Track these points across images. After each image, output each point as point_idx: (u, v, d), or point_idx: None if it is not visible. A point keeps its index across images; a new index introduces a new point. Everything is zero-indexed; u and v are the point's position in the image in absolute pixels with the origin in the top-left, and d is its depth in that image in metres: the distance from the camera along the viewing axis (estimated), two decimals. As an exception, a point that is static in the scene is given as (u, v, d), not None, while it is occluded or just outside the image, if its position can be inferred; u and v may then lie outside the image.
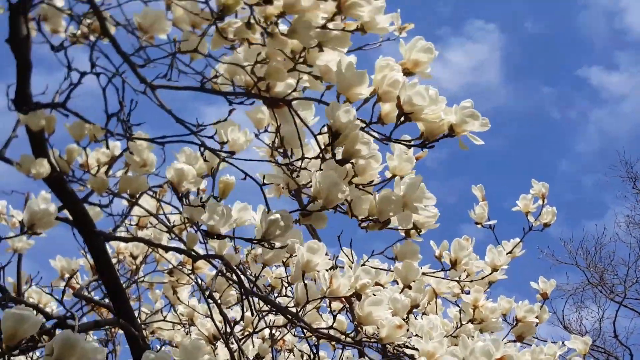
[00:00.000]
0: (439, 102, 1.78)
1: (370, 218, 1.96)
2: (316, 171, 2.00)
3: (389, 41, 2.41)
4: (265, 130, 2.35)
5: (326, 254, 2.05)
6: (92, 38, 2.27)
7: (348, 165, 1.93)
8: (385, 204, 1.84)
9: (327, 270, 2.06)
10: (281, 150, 2.31)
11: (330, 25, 1.89)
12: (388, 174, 2.00)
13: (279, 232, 1.94)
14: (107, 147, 2.35)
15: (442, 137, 1.82)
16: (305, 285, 2.08)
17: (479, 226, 3.74)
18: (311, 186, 2.11)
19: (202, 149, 2.13)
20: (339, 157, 1.85)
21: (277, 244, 2.03)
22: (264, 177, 2.18)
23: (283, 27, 1.94)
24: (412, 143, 1.86)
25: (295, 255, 2.08)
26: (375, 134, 1.89)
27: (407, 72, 1.89)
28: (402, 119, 1.80)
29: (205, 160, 2.24)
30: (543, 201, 3.71)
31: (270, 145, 2.30)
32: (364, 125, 1.85)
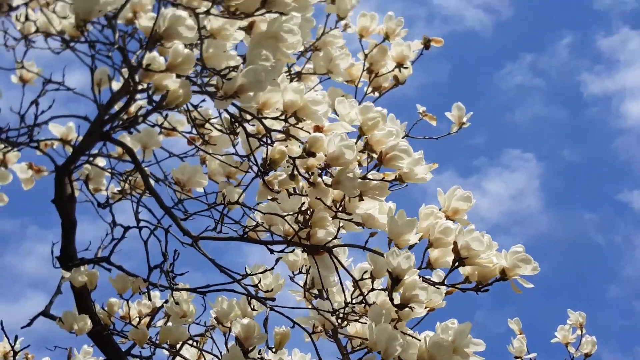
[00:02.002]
0: (492, 247, 1.84)
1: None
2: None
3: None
4: (300, 272, 2.40)
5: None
6: (134, 193, 2.35)
7: (390, 305, 1.97)
8: (437, 350, 1.87)
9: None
10: (315, 292, 2.37)
11: (370, 175, 1.97)
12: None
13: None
14: (150, 299, 2.39)
15: (494, 281, 1.87)
16: None
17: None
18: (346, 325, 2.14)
19: (248, 297, 2.17)
20: (396, 301, 1.89)
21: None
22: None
23: (326, 178, 2.02)
24: (465, 287, 1.91)
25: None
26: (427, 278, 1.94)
27: (447, 219, 1.96)
28: (456, 263, 1.86)
29: (253, 309, 2.28)
30: (581, 331, 3.65)
31: (305, 286, 2.35)
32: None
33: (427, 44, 2.47)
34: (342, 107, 1.95)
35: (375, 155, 1.93)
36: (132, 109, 2.35)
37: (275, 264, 2.15)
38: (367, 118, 1.93)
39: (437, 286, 1.93)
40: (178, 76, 1.79)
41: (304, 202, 2.06)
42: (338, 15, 2.43)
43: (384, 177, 1.97)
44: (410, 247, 1.93)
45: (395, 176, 1.97)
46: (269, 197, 2.11)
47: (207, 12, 1.81)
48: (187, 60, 1.72)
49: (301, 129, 2.00)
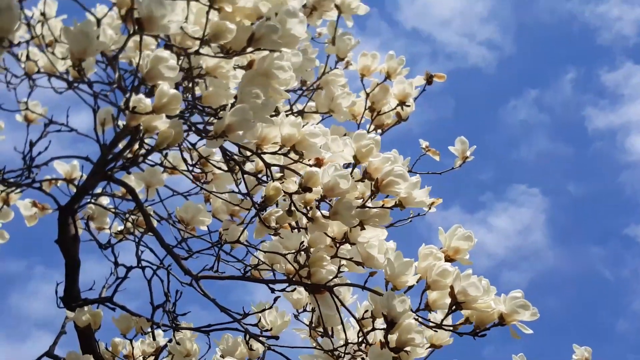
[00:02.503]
0: (490, 292, 1.81)
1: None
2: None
3: (419, 216, 2.51)
4: (304, 310, 2.38)
5: None
6: (137, 232, 2.36)
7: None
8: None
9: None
10: (321, 330, 2.34)
11: (369, 203, 1.95)
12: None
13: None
14: (153, 339, 2.38)
15: (492, 325, 1.84)
16: None
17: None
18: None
19: (247, 336, 2.15)
20: (392, 344, 1.86)
21: None
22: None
23: (324, 211, 2.01)
24: (463, 332, 1.88)
25: None
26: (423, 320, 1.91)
27: (448, 259, 1.94)
28: (453, 307, 1.83)
29: (250, 349, 2.26)
30: (588, 365, 3.62)
31: (310, 325, 2.33)
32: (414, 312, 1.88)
33: (429, 80, 2.47)
34: (336, 145, 1.94)
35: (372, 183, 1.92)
36: (136, 146, 2.36)
37: (274, 302, 2.14)
38: (361, 145, 1.92)
39: (434, 329, 1.89)
40: (171, 116, 1.80)
41: (303, 241, 2.05)
42: (337, 56, 2.44)
43: (383, 204, 1.96)
44: (410, 287, 1.91)
45: (395, 202, 1.96)
46: (270, 234, 2.11)
47: (197, 52, 1.83)
48: (173, 100, 1.72)
49: (302, 162, 2.00)
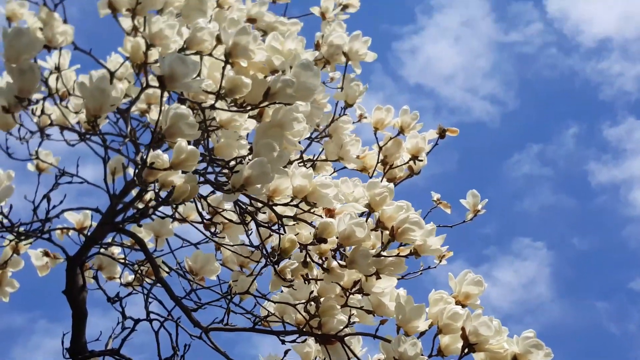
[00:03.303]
0: (502, 332, 1.80)
1: None
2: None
3: (431, 269, 2.48)
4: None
5: None
6: (146, 283, 2.34)
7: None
8: None
9: None
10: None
11: (385, 252, 1.94)
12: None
13: None
14: (161, 393, 2.34)
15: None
16: None
17: None
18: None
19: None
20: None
21: None
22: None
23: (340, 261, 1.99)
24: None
25: None
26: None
27: (458, 304, 1.92)
28: (466, 350, 1.81)
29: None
30: None
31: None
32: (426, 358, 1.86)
33: (442, 134, 2.47)
34: (346, 187, 1.95)
35: (387, 232, 1.91)
36: (147, 197, 2.36)
37: (284, 355, 2.11)
38: (375, 194, 1.94)
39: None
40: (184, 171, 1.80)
41: (312, 291, 2.04)
42: (346, 102, 2.44)
43: (398, 253, 1.95)
44: (421, 334, 1.89)
45: (410, 250, 1.95)
46: (285, 286, 2.09)
47: (213, 107, 1.84)
48: (191, 156, 1.73)
49: (313, 213, 1.99)
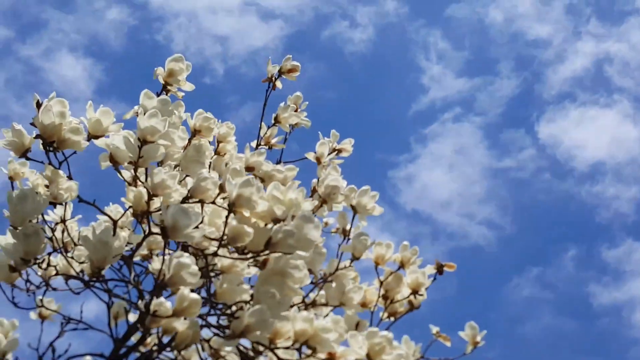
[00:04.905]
0: None
1: None
2: None
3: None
4: None
5: None
6: None
7: None
8: None
9: None
10: None
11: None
12: None
13: None
14: None
15: None
16: None
17: None
18: None
19: None
20: None
21: None
22: None
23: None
24: None
25: None
26: None
27: None
28: None
29: None
30: None
31: None
32: None
33: (440, 269, 2.49)
34: (355, 342, 1.95)
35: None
36: (149, 340, 2.36)
37: None
38: (374, 343, 1.94)
39: None
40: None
41: None
42: (353, 255, 2.46)
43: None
44: None
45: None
46: None
47: (215, 254, 1.88)
48: (194, 304, 1.76)
49: (314, 356, 1.99)
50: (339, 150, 2.76)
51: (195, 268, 1.74)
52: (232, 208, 1.87)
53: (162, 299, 1.80)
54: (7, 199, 1.87)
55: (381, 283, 2.51)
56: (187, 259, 1.74)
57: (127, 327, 2.27)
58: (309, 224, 1.84)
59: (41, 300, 2.25)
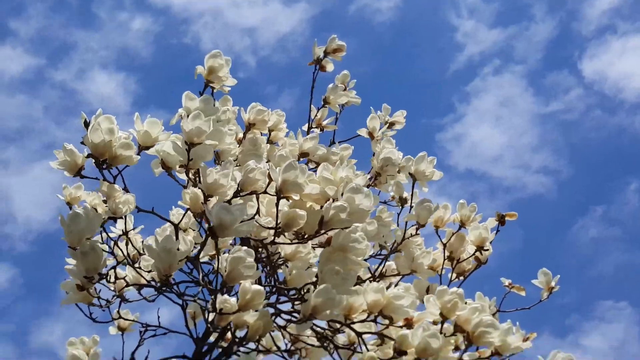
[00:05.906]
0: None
1: None
2: None
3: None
4: None
5: None
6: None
7: None
8: None
9: None
10: None
11: (466, 356, 1.93)
12: None
13: None
14: None
15: None
16: None
17: None
18: None
19: None
20: None
21: None
22: None
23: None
24: None
25: None
26: None
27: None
28: None
29: None
30: None
31: None
32: None
33: (502, 221, 2.47)
34: (430, 304, 1.96)
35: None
36: (228, 335, 2.41)
37: None
38: (445, 301, 1.94)
39: None
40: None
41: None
42: (418, 223, 2.47)
43: (479, 356, 1.94)
44: None
45: (492, 351, 1.94)
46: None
47: (273, 242, 1.90)
48: (257, 296, 1.78)
49: (392, 325, 2.00)
50: (392, 123, 2.75)
51: (250, 260, 1.76)
52: (280, 194, 1.89)
53: (226, 296, 1.83)
54: (60, 222, 1.89)
55: (444, 245, 2.51)
56: (241, 252, 1.76)
57: (205, 326, 2.32)
58: (359, 195, 1.85)
59: (118, 312, 2.30)
